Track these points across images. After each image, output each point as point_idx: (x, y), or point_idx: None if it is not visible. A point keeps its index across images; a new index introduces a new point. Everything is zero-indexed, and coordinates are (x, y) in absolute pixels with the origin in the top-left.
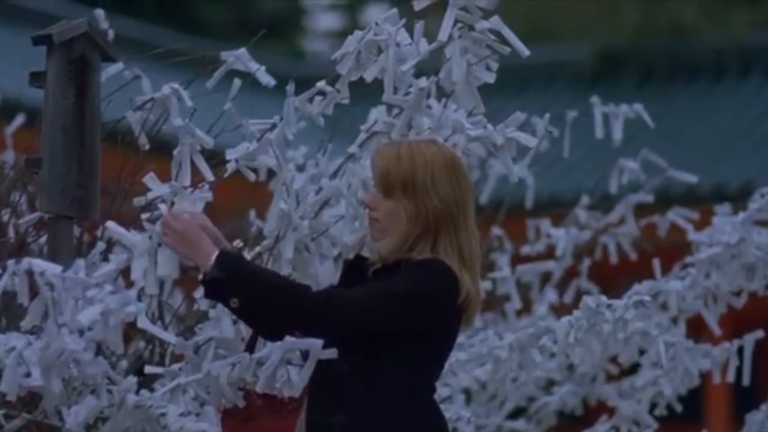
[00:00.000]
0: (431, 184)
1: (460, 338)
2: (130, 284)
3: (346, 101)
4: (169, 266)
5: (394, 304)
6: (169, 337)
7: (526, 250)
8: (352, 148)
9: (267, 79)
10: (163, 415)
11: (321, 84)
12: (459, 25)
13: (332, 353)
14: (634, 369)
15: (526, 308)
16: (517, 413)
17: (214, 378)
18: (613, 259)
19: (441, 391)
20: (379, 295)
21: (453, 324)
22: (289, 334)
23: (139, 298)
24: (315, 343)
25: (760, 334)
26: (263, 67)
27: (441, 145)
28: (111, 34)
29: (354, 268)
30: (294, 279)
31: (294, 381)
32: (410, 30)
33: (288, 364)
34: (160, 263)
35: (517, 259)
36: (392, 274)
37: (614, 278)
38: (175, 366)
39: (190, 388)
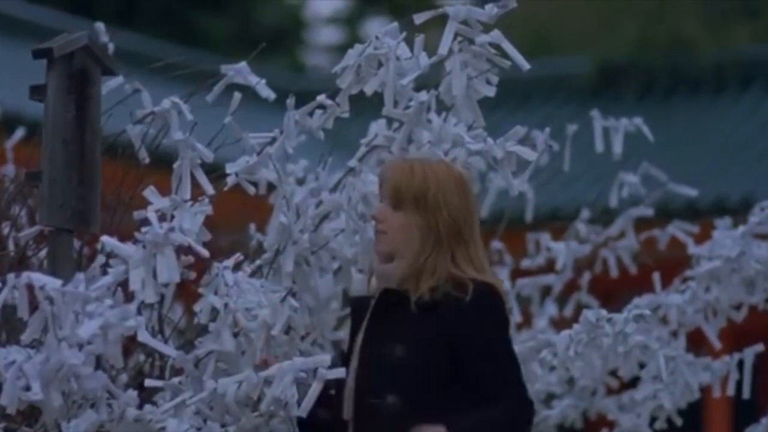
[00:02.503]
0: (443, 199)
1: None
2: (129, 297)
3: (346, 115)
4: (169, 272)
5: (514, 357)
6: (169, 350)
7: (526, 263)
8: (352, 162)
9: (267, 93)
10: (163, 429)
11: (321, 98)
12: (459, 38)
13: (341, 372)
14: (634, 383)
15: (526, 322)
16: None
17: (220, 396)
18: (614, 272)
19: None
20: (513, 360)
21: None
22: None
23: (140, 312)
24: (323, 362)
25: (760, 347)
26: (263, 81)
27: (449, 165)
28: (111, 47)
29: (385, 304)
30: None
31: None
32: (410, 44)
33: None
34: (160, 270)
35: (517, 273)
36: (442, 310)
37: (614, 292)
38: (176, 380)
39: (194, 404)
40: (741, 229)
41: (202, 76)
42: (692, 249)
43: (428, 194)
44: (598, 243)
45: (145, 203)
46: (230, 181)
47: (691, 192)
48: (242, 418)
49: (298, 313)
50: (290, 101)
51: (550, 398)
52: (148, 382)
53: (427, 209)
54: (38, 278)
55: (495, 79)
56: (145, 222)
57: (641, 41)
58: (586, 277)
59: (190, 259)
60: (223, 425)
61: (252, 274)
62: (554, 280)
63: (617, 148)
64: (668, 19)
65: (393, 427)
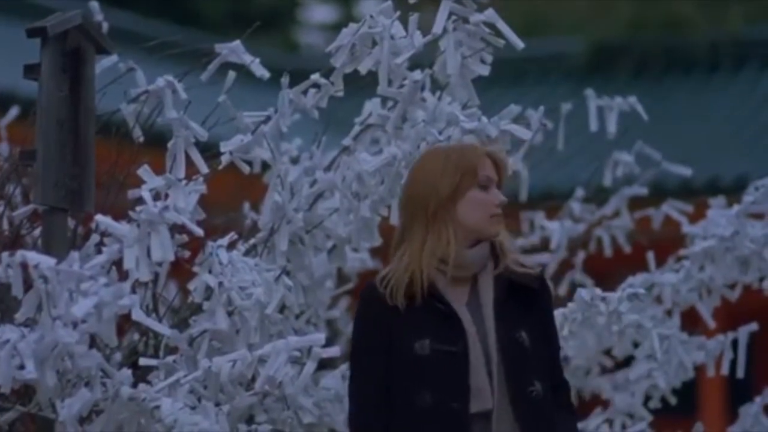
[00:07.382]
0: None
1: None
2: (124, 276)
3: (340, 94)
4: (163, 251)
5: None
6: (164, 329)
7: (520, 242)
8: (347, 141)
9: (261, 72)
10: (157, 407)
11: (315, 76)
12: (453, 17)
13: (335, 351)
14: (628, 362)
15: None
16: None
17: (215, 375)
18: (608, 251)
19: None
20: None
21: None
22: None
23: (134, 291)
24: (317, 341)
25: (754, 326)
26: (257, 60)
27: None
28: (105, 26)
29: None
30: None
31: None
32: (405, 22)
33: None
34: (154, 249)
35: None
36: (531, 290)
37: (609, 271)
38: (170, 358)
39: (188, 382)
40: (735, 208)
41: (196, 55)
42: (686, 228)
43: None
44: (593, 222)
45: (139, 182)
46: (224, 159)
47: (686, 171)
48: (236, 397)
49: (293, 292)
50: (284, 80)
51: None
52: (143, 361)
53: None
54: (32, 257)
55: (489, 58)
56: (140, 201)
57: (636, 20)
58: (581, 256)
59: (185, 238)
60: (217, 404)
61: (246, 253)
62: (549, 259)
63: (611, 127)
64: None
65: (546, 417)
